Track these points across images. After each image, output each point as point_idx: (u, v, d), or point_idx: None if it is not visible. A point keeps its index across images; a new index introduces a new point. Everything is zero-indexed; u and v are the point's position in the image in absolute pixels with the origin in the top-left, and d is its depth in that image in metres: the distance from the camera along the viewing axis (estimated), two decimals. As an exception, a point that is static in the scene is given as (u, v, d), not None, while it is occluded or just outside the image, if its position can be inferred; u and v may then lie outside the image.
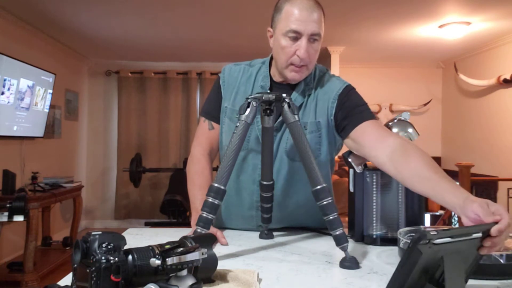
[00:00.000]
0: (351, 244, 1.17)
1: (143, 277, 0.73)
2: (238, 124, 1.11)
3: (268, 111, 1.17)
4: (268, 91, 1.26)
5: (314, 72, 1.37)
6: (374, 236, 1.27)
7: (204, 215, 1.07)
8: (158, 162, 6.19)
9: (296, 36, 1.22)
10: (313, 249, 1.20)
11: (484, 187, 5.05)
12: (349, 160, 1.29)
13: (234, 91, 1.39)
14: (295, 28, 1.21)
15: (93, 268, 0.69)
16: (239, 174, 1.40)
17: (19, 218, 3.21)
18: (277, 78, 1.36)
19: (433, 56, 5.92)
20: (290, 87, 1.34)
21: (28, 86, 4.21)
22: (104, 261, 0.69)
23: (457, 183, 4.84)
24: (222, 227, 1.46)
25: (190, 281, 0.75)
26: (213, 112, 1.42)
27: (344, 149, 1.37)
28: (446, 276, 0.71)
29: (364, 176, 1.28)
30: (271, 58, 1.37)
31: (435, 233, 0.67)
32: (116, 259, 0.70)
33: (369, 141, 1.20)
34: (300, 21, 1.21)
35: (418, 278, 0.71)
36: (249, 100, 1.12)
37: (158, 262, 0.72)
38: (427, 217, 4.92)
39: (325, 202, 1.06)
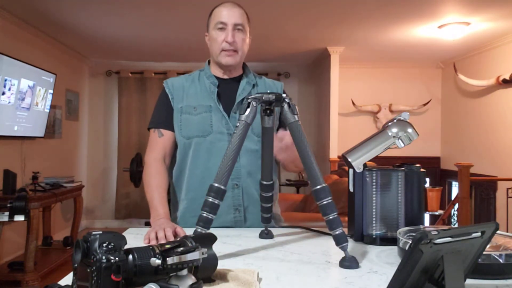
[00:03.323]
0: (350, 244, 1.17)
1: (143, 276, 0.73)
2: (238, 124, 1.12)
3: (268, 111, 1.17)
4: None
5: (249, 70, 1.61)
6: (374, 236, 1.27)
7: (204, 215, 1.07)
8: (158, 162, 6.18)
9: (223, 26, 1.48)
10: (313, 249, 1.21)
11: (484, 187, 5.06)
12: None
13: (184, 93, 1.55)
14: (222, 20, 1.48)
15: (94, 268, 0.69)
16: (208, 159, 1.47)
17: (19, 217, 3.21)
18: (219, 75, 1.57)
19: (433, 56, 5.93)
20: (235, 80, 1.57)
21: (28, 86, 4.22)
22: (104, 260, 0.69)
23: (456, 183, 4.86)
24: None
25: (190, 280, 0.75)
26: (161, 119, 1.54)
27: (344, 149, 1.37)
28: (446, 276, 0.72)
29: (363, 176, 1.28)
30: (209, 63, 1.60)
31: (436, 232, 0.68)
32: (117, 258, 0.70)
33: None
34: (225, 14, 1.49)
35: (418, 278, 0.72)
36: (249, 100, 1.13)
37: (158, 261, 0.72)
38: (427, 217, 4.93)
39: (325, 202, 1.06)
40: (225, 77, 1.57)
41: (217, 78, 1.56)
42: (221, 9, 1.50)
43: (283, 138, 1.38)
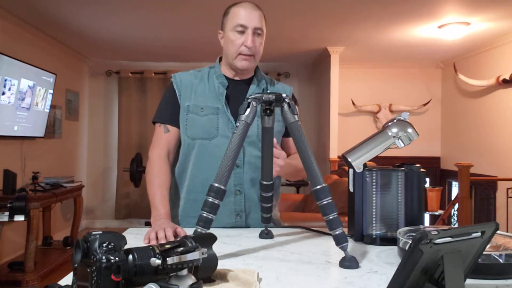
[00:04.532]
0: (350, 244, 1.17)
1: (143, 276, 0.73)
2: (238, 124, 1.12)
3: (268, 111, 1.17)
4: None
5: (261, 73, 1.58)
6: (374, 236, 1.27)
7: (204, 215, 1.07)
8: (158, 162, 6.18)
9: (242, 29, 1.44)
10: (313, 249, 1.21)
11: (484, 187, 5.06)
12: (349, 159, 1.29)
13: (192, 91, 1.52)
14: (242, 22, 1.43)
15: (94, 268, 0.69)
16: (212, 162, 1.44)
17: (20, 217, 3.21)
18: (230, 76, 1.54)
19: (433, 56, 5.93)
20: (245, 82, 1.54)
21: (28, 86, 4.22)
22: (104, 260, 0.69)
23: (456, 183, 4.86)
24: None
25: (190, 280, 0.75)
26: (168, 115, 1.52)
27: (344, 149, 1.37)
28: (446, 276, 0.72)
29: (363, 176, 1.28)
30: (219, 61, 1.57)
31: (436, 232, 0.68)
32: (117, 258, 0.70)
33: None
34: (245, 17, 1.44)
35: (418, 278, 0.72)
36: (249, 100, 1.13)
37: (158, 261, 0.72)
38: (427, 216, 4.93)
39: (325, 202, 1.06)
40: (236, 78, 1.54)
41: (226, 78, 1.53)
42: (240, 10, 1.45)
43: (279, 156, 1.36)
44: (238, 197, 1.48)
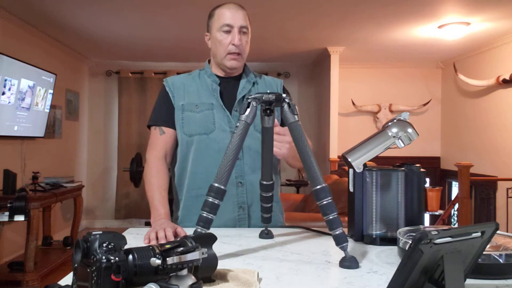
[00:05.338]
0: (350, 244, 1.17)
1: (143, 276, 0.73)
2: (238, 124, 1.12)
3: (268, 111, 1.17)
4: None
5: (249, 69, 1.62)
6: (374, 236, 1.27)
7: (204, 215, 1.07)
8: (158, 162, 6.17)
9: (228, 29, 1.48)
10: (313, 249, 1.21)
11: (484, 187, 5.06)
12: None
13: (184, 91, 1.56)
14: (228, 22, 1.48)
15: (94, 268, 0.69)
16: (210, 157, 1.46)
17: (19, 218, 3.21)
18: (220, 74, 1.58)
19: (433, 56, 5.93)
20: (235, 79, 1.58)
21: (28, 86, 4.22)
22: (104, 260, 0.69)
23: (456, 183, 4.86)
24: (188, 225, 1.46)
25: (190, 280, 0.75)
26: (162, 117, 1.55)
27: (344, 149, 1.37)
28: (446, 276, 0.72)
29: (363, 176, 1.28)
30: (208, 62, 1.61)
31: (436, 232, 0.68)
32: (117, 258, 0.70)
33: None
34: (230, 17, 1.48)
35: (418, 278, 0.72)
36: (249, 100, 1.13)
37: (158, 261, 0.72)
38: (427, 217, 4.93)
39: (325, 202, 1.06)
40: (223, 75, 1.58)
41: (217, 76, 1.57)
42: (225, 11, 1.49)
43: (285, 133, 1.35)
44: (240, 189, 1.50)
